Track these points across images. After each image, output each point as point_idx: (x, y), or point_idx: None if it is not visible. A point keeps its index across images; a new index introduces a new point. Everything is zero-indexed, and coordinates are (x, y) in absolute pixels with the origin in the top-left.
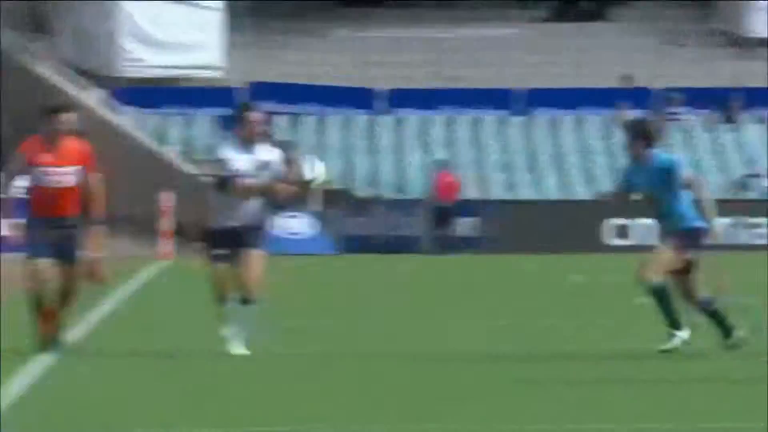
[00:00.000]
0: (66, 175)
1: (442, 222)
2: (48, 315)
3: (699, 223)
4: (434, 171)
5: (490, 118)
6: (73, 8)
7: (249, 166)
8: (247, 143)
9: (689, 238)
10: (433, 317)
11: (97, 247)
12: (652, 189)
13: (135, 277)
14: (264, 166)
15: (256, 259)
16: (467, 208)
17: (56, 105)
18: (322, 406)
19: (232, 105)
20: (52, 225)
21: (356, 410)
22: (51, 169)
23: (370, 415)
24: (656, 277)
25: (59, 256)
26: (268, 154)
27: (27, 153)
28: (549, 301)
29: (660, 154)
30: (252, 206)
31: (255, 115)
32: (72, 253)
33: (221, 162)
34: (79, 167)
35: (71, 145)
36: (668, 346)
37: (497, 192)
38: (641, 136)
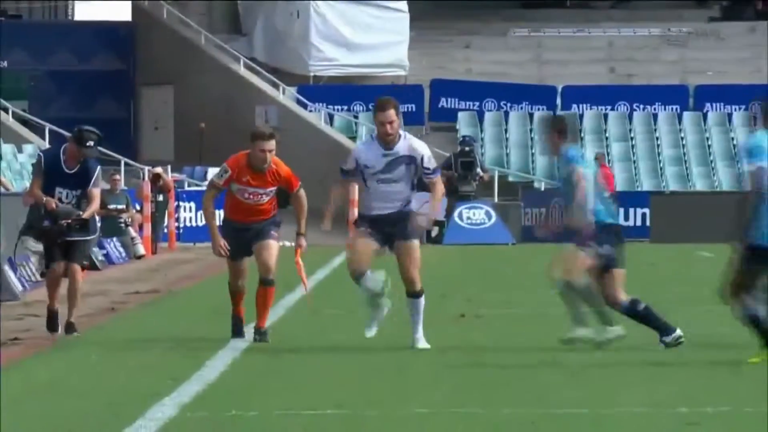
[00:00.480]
0: (263, 195)
1: None
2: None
3: (603, 219)
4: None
5: (663, 113)
6: (267, 9)
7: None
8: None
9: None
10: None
11: (301, 255)
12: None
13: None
14: (396, 162)
15: (413, 249)
16: (639, 198)
17: (260, 132)
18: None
19: (417, 102)
20: (246, 229)
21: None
22: (251, 189)
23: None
24: (569, 276)
25: (250, 254)
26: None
27: (232, 170)
28: None
29: (568, 149)
30: (401, 196)
31: (385, 116)
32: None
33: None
34: (275, 188)
35: (272, 169)
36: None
37: (669, 183)
38: (556, 130)
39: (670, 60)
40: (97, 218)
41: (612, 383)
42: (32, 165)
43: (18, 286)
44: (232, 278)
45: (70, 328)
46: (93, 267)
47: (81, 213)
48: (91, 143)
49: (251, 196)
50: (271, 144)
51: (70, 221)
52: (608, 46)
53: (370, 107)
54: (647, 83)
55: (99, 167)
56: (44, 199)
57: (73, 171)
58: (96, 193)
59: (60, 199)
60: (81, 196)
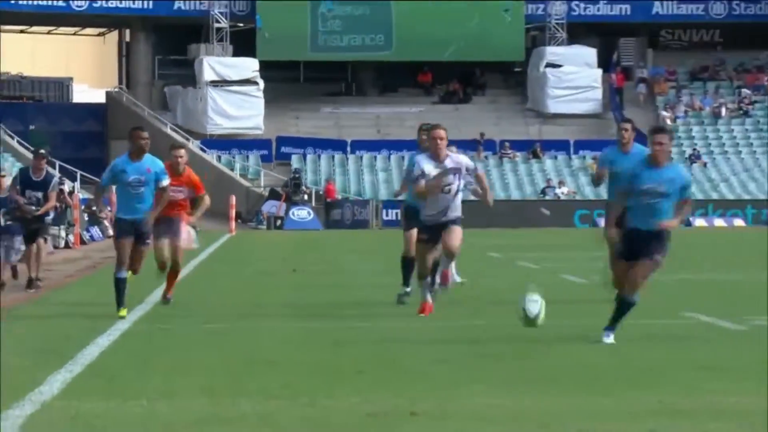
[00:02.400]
0: (179, 192)
1: None
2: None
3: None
4: None
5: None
6: (183, 95)
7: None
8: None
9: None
10: None
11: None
12: None
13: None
14: (445, 173)
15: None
16: None
17: (175, 143)
18: None
19: (268, 149)
20: (167, 221)
21: None
22: (172, 187)
23: None
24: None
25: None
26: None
27: None
28: None
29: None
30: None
31: (437, 133)
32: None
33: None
34: (189, 188)
35: (186, 173)
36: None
37: None
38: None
39: (413, 125)
40: (50, 212)
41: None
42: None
43: None
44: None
45: (31, 283)
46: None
47: (37, 210)
48: (43, 152)
49: (172, 194)
50: (182, 152)
51: (29, 216)
52: (377, 117)
53: (242, 152)
54: (400, 139)
55: (56, 179)
56: (17, 198)
57: (38, 180)
58: (52, 196)
59: (30, 198)
60: (43, 197)
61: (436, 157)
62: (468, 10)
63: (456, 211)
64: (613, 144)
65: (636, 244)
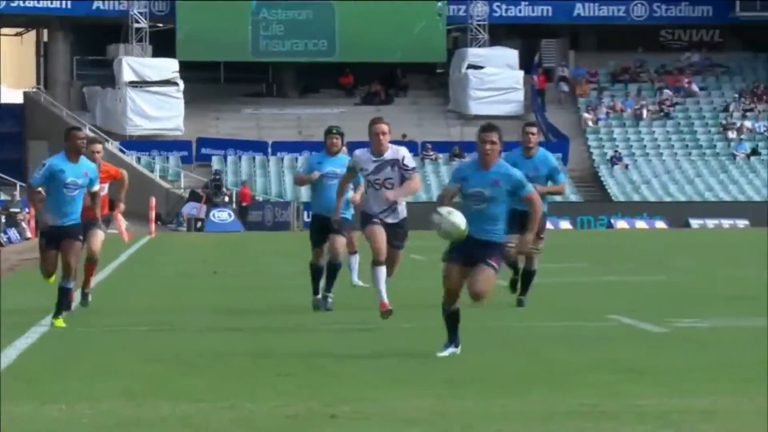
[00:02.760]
0: (102, 190)
1: None
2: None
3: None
4: None
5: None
6: (103, 95)
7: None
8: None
9: None
10: None
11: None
12: None
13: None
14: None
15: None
16: None
17: (90, 137)
18: None
19: (189, 150)
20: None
21: None
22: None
23: None
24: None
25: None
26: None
27: None
28: None
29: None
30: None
31: (380, 127)
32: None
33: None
34: (110, 181)
35: (103, 168)
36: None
37: None
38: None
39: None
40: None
41: None
42: None
43: None
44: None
45: None
46: None
47: None
48: None
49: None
50: (99, 147)
51: None
52: (298, 118)
53: (161, 153)
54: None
55: None
56: None
57: None
58: None
59: None
60: None
61: (377, 152)
62: (389, 11)
63: (402, 211)
64: (518, 147)
65: (472, 251)
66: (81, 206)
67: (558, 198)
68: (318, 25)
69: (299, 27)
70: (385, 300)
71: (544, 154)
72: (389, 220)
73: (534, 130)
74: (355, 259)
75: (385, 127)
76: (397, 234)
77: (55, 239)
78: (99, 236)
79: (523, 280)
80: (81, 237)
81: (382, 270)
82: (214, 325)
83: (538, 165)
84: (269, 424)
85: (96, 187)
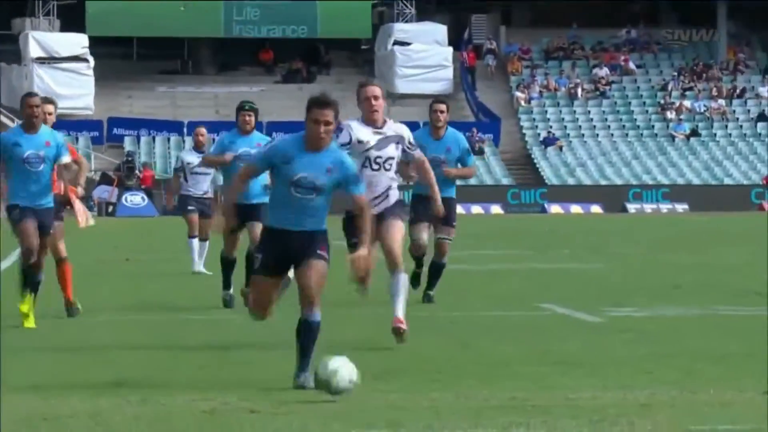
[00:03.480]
0: None
1: None
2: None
3: None
4: None
5: None
6: (8, 72)
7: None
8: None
9: None
10: None
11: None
12: None
13: None
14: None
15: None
16: None
17: (41, 97)
18: None
19: (99, 131)
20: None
21: None
22: None
23: None
24: None
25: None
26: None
27: None
28: None
29: None
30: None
31: (371, 90)
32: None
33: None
34: None
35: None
36: None
37: None
38: None
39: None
40: None
41: None
42: None
43: None
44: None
45: None
46: None
47: None
48: None
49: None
50: (50, 107)
51: None
52: (215, 97)
53: (70, 133)
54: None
55: None
56: None
57: None
58: None
59: None
60: None
61: (372, 122)
62: None
63: (395, 194)
64: (426, 127)
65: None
66: (51, 185)
67: (473, 181)
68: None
69: None
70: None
71: (454, 134)
72: (380, 209)
73: (443, 107)
74: None
75: (377, 90)
76: (390, 223)
77: (29, 216)
78: (59, 230)
79: (431, 273)
80: (51, 230)
81: (404, 277)
82: (126, 315)
83: (450, 146)
84: (184, 420)
85: (66, 159)
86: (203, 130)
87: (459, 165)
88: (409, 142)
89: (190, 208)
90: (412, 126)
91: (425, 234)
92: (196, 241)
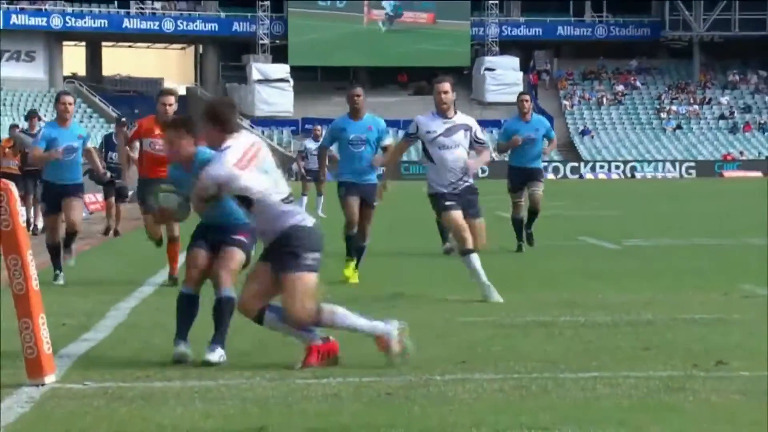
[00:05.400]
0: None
1: None
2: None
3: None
4: None
5: None
6: (238, 89)
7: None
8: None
9: None
10: None
11: None
12: None
13: None
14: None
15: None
16: None
17: (164, 89)
18: None
19: (296, 126)
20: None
21: None
22: (157, 140)
23: None
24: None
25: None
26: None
27: (139, 125)
28: None
29: None
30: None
31: (442, 86)
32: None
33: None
34: None
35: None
36: None
37: None
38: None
39: (393, 113)
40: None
41: None
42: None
43: None
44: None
45: (108, 231)
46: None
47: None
48: (123, 120)
49: (159, 149)
50: (171, 99)
51: (105, 179)
52: (371, 105)
53: (278, 127)
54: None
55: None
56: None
57: (117, 143)
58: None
59: (111, 159)
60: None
61: (442, 112)
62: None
63: (469, 179)
64: (516, 115)
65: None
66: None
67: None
68: (385, 43)
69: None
70: (495, 292)
71: (539, 117)
72: (462, 188)
73: (527, 97)
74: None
75: (447, 86)
76: (470, 201)
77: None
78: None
79: (529, 218)
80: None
81: (476, 257)
82: None
83: (537, 126)
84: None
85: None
86: (319, 127)
87: (545, 140)
88: (476, 136)
89: (308, 177)
90: (495, 124)
91: (524, 197)
92: (305, 198)
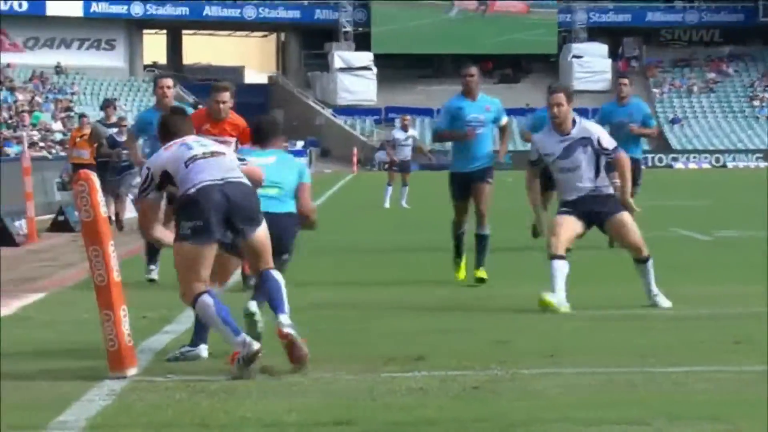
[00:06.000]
0: (223, 143)
1: None
2: None
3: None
4: None
5: None
6: (319, 77)
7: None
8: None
9: None
10: None
11: None
12: None
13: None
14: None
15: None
16: None
17: (218, 84)
18: None
19: (379, 115)
20: None
21: None
22: (212, 137)
23: None
24: None
25: None
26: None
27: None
28: None
29: None
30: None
31: (556, 98)
32: None
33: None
34: (236, 136)
35: (230, 120)
36: None
37: None
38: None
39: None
40: None
41: None
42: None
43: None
44: None
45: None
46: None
47: None
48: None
49: None
50: (226, 95)
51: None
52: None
53: (361, 116)
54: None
55: None
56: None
57: None
58: None
59: None
60: None
61: (557, 128)
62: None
63: (605, 186)
64: (612, 101)
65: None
66: None
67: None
68: (470, 31)
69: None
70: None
71: (637, 102)
72: (592, 195)
73: (625, 80)
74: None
75: (560, 97)
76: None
77: None
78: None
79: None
80: None
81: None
82: None
83: (633, 111)
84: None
85: None
86: (408, 117)
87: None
88: (601, 146)
89: (394, 168)
90: (583, 113)
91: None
92: (391, 188)
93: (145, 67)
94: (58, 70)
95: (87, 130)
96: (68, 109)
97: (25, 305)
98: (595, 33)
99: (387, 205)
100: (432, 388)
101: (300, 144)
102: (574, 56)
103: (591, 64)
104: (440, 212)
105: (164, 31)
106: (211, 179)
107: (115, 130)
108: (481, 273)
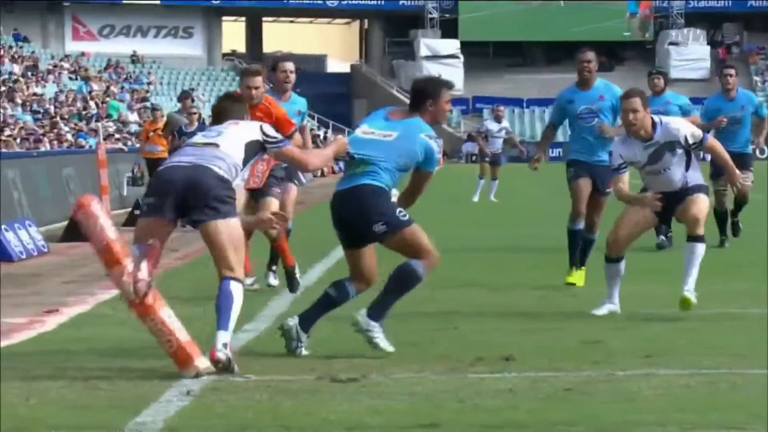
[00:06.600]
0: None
1: None
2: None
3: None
4: None
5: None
6: (404, 65)
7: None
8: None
9: None
10: None
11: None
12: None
13: None
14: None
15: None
16: None
17: (248, 68)
18: None
19: (467, 105)
20: None
21: None
22: None
23: None
24: None
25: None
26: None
27: None
28: None
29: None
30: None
31: (629, 103)
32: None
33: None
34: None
35: (263, 106)
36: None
37: None
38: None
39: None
40: None
41: None
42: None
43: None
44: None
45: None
46: None
47: None
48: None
49: None
50: (258, 80)
51: None
52: (544, 81)
53: None
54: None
55: None
56: None
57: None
58: None
59: None
60: None
61: (635, 135)
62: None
63: (695, 179)
64: (718, 92)
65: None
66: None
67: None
68: (561, 18)
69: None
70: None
71: (745, 93)
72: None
73: (731, 71)
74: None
75: (635, 102)
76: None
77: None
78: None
79: (736, 207)
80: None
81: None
82: None
83: (744, 104)
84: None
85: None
86: (502, 107)
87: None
88: (689, 143)
89: (486, 159)
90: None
91: (728, 186)
92: (482, 181)
93: (224, 55)
94: (134, 59)
95: (161, 124)
96: (144, 99)
97: (100, 302)
98: (692, 19)
99: (476, 198)
100: (522, 389)
101: None
102: (671, 43)
103: (689, 52)
104: (530, 206)
105: (243, 19)
106: (178, 161)
107: (187, 122)
108: (574, 278)
